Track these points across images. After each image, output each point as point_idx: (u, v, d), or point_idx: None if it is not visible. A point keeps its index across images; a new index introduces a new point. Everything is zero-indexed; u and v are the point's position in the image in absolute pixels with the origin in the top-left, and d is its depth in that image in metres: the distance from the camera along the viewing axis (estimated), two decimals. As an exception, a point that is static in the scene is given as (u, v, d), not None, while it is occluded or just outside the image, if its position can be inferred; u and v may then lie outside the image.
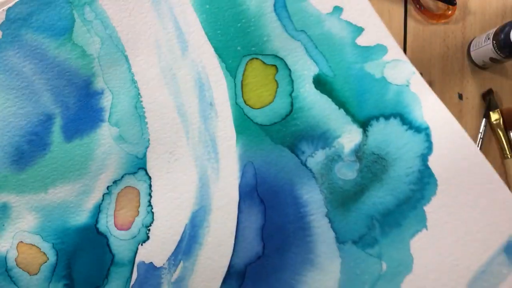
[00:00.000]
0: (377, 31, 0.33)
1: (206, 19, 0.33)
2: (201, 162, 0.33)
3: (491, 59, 0.52)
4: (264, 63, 0.33)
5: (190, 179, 0.32)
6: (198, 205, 0.32)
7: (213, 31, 0.33)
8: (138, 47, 0.33)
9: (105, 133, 0.32)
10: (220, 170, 0.32)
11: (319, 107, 0.33)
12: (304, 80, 0.33)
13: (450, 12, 0.58)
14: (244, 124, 0.33)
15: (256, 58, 0.33)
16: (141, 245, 0.32)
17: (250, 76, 0.33)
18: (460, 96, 0.56)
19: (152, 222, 0.32)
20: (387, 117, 0.32)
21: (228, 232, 0.32)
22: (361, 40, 0.33)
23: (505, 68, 0.56)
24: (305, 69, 0.33)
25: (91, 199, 0.32)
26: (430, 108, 0.32)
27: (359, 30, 0.33)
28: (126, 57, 0.32)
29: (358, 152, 0.32)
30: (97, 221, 0.32)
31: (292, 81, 0.33)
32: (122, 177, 0.32)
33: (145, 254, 0.32)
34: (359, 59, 0.33)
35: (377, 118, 0.32)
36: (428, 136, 0.32)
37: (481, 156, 0.31)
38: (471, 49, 0.55)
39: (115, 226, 0.32)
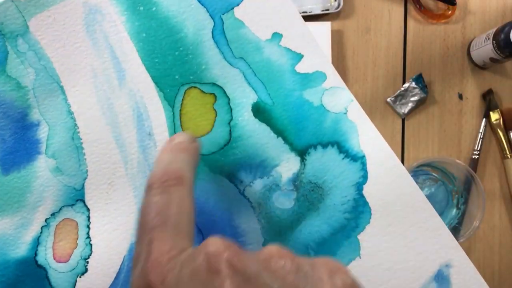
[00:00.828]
0: (316, 58, 0.33)
1: (143, 47, 0.32)
2: (140, 193, 0.33)
3: (491, 59, 0.52)
4: (202, 91, 0.33)
5: (128, 209, 0.32)
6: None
7: (150, 60, 0.33)
8: (74, 77, 0.32)
9: (42, 165, 0.32)
10: (159, 200, 0.32)
11: (257, 135, 0.33)
12: (243, 108, 0.33)
13: (450, 12, 0.58)
14: None
15: (195, 87, 0.33)
16: (80, 277, 0.32)
17: (188, 105, 0.33)
18: (460, 96, 0.56)
19: (90, 254, 0.32)
20: (324, 145, 0.32)
21: (166, 262, 0.32)
22: (300, 67, 0.33)
23: (505, 68, 0.56)
24: (244, 97, 0.33)
25: (30, 231, 0.32)
26: (367, 136, 0.32)
27: (298, 57, 0.33)
28: (61, 88, 0.32)
29: (296, 181, 0.32)
30: (36, 254, 0.32)
31: (230, 110, 0.33)
32: (60, 209, 0.32)
33: (83, 286, 0.32)
34: (298, 86, 0.33)
35: (315, 146, 0.32)
36: (363, 165, 0.32)
37: (414, 185, 0.31)
38: (471, 49, 0.55)
39: (54, 258, 0.32)
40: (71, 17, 0.32)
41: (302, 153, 0.32)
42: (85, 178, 0.32)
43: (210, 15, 0.32)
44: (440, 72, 0.58)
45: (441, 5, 0.58)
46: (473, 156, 0.55)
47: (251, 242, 0.32)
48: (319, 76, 0.33)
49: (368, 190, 0.32)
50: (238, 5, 0.33)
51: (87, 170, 0.32)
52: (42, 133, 0.32)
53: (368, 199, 0.32)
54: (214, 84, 0.33)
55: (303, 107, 0.33)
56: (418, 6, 0.58)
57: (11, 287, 0.32)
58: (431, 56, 0.59)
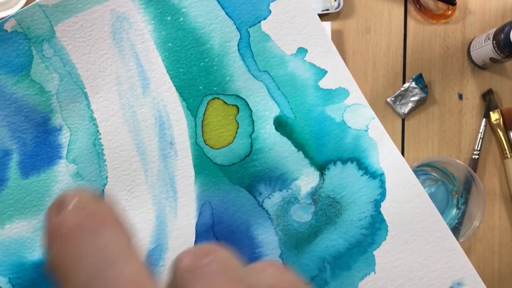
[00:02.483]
0: (340, 74, 0.33)
1: (168, 57, 0.33)
2: (159, 201, 0.33)
3: (491, 59, 0.52)
4: (225, 103, 0.33)
5: (147, 217, 0.33)
6: (154, 244, 0.33)
7: (175, 69, 0.33)
8: (98, 84, 0.32)
9: (63, 170, 0.32)
10: (178, 209, 0.33)
11: (278, 148, 0.33)
12: (265, 121, 0.33)
13: (450, 12, 0.58)
14: (203, 164, 0.33)
15: (218, 98, 0.33)
16: (97, 282, 0.32)
17: (211, 116, 0.33)
18: (460, 96, 0.57)
19: (108, 260, 0.32)
20: (344, 161, 0.33)
21: (183, 271, 0.32)
22: (324, 83, 0.33)
23: (505, 68, 0.57)
24: (266, 110, 0.33)
25: (47, 235, 0.32)
26: (386, 154, 0.33)
27: (322, 73, 0.33)
28: (85, 94, 0.32)
29: (314, 195, 0.33)
30: (53, 257, 0.32)
31: (253, 122, 0.33)
32: (80, 214, 0.32)
33: (100, 291, 0.32)
34: (320, 102, 0.33)
35: (334, 161, 0.33)
36: (382, 183, 0.32)
37: (431, 205, 0.32)
38: (471, 49, 0.56)
39: (72, 262, 0.32)
40: (98, 24, 0.32)
41: (321, 168, 0.33)
42: (105, 184, 0.33)
43: (237, 27, 0.33)
44: (440, 72, 0.59)
45: (441, 5, 0.59)
46: (473, 156, 0.56)
47: (268, 254, 0.33)
48: (342, 93, 0.33)
49: (385, 208, 0.32)
50: (265, 18, 0.33)
51: (107, 176, 0.33)
52: (64, 138, 0.32)
53: (385, 216, 0.32)
54: (237, 96, 0.33)
55: (324, 122, 0.33)
56: (418, 6, 0.58)
57: (27, 290, 0.32)
58: (431, 56, 0.59)
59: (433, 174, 0.59)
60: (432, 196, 0.57)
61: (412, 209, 0.32)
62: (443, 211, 0.58)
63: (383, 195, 0.32)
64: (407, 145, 0.58)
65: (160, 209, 0.33)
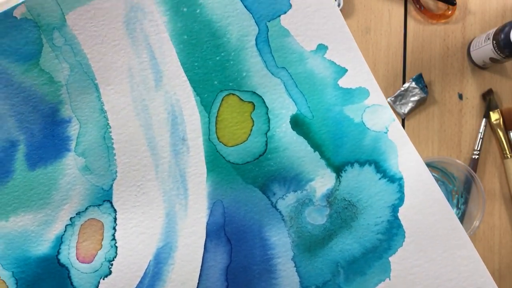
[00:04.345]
0: (361, 74, 0.32)
1: (183, 49, 0.31)
2: (169, 198, 0.32)
3: (491, 59, 0.51)
4: (241, 99, 0.32)
5: (157, 214, 0.32)
6: (163, 241, 0.32)
7: (190, 63, 0.31)
8: (110, 75, 0.31)
9: (71, 163, 0.31)
10: (189, 206, 0.32)
11: (294, 148, 0.32)
12: (281, 119, 0.32)
13: (450, 12, 0.57)
14: (215, 161, 0.32)
15: (233, 94, 0.32)
16: (103, 279, 0.31)
17: (225, 112, 0.32)
18: (460, 96, 0.56)
19: (115, 257, 0.31)
20: (362, 164, 0.32)
21: (192, 270, 0.32)
22: (344, 82, 0.32)
23: (505, 68, 0.56)
24: (283, 108, 0.32)
25: (53, 229, 0.31)
26: (406, 158, 0.32)
27: (342, 71, 0.32)
28: (96, 86, 0.31)
29: (330, 197, 0.32)
30: (58, 252, 0.31)
31: (268, 120, 0.32)
32: (86, 208, 0.31)
33: (106, 289, 0.31)
34: (339, 101, 0.32)
35: (351, 164, 0.32)
36: (401, 187, 0.31)
37: (451, 212, 0.31)
38: (471, 49, 0.55)
39: (77, 258, 0.31)
40: (112, 13, 0.30)
41: (338, 170, 0.32)
42: (114, 179, 0.31)
43: (255, 21, 0.31)
44: (440, 72, 0.58)
45: (441, 5, 0.58)
46: (473, 156, 0.55)
47: (280, 256, 0.32)
48: (362, 93, 0.32)
49: (403, 213, 0.31)
50: (285, 12, 0.31)
51: (116, 170, 0.31)
52: (73, 130, 0.31)
53: (402, 222, 0.31)
54: (253, 93, 0.32)
55: (343, 122, 0.32)
56: (418, 6, 0.57)
57: (31, 284, 0.31)
58: (431, 56, 0.58)
59: (433, 174, 0.58)
60: (433, 196, 0.56)
61: (431, 215, 0.31)
62: (445, 212, 0.57)
63: (401, 199, 0.31)
64: (409, 145, 0.58)
65: (170, 206, 0.32)
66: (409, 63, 0.56)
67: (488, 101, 0.55)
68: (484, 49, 0.51)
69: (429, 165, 0.56)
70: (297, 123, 0.32)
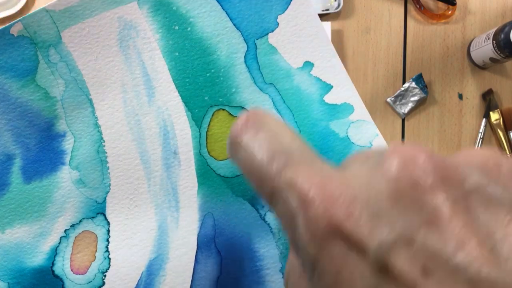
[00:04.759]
0: (345, 90, 0.33)
1: (174, 66, 0.32)
2: (161, 210, 0.33)
3: (491, 59, 0.52)
4: (230, 114, 0.33)
5: (149, 226, 0.33)
6: (155, 253, 0.33)
7: (181, 79, 0.33)
8: (104, 91, 0.32)
9: (65, 176, 0.32)
10: (180, 219, 0.33)
11: (282, 162, 0.33)
12: None
13: (450, 12, 0.58)
14: (206, 174, 0.33)
15: (223, 109, 0.33)
16: (96, 290, 0.32)
17: (215, 127, 0.33)
18: (460, 96, 0.57)
19: (108, 268, 0.32)
20: (347, 177, 0.33)
21: (183, 281, 0.32)
22: (329, 98, 0.33)
23: (505, 68, 0.57)
24: (271, 122, 0.33)
25: (48, 241, 0.32)
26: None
27: (328, 87, 0.33)
28: (90, 101, 0.32)
29: (317, 210, 0.33)
30: (53, 264, 0.32)
31: None
32: (80, 221, 0.32)
33: (99, 299, 0.32)
34: (325, 117, 0.33)
35: (337, 177, 0.33)
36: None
37: None
38: (471, 49, 0.56)
39: (71, 270, 0.32)
40: (105, 31, 0.32)
41: None
42: (107, 192, 0.32)
43: (244, 39, 0.33)
44: (440, 72, 0.59)
45: (441, 5, 0.59)
46: None
47: (269, 267, 0.33)
48: (347, 108, 0.33)
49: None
50: (273, 31, 0.33)
51: (110, 184, 0.32)
52: (67, 144, 0.32)
53: None
54: (242, 108, 0.33)
55: (328, 137, 0.33)
56: (418, 6, 0.58)
57: (25, 296, 0.32)
58: (431, 56, 0.59)
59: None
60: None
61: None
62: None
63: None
64: (407, 145, 0.59)
65: (162, 218, 0.33)
66: (409, 63, 0.57)
67: (488, 101, 0.56)
68: (484, 49, 0.52)
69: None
70: None
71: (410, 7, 0.59)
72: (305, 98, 0.33)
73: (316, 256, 0.13)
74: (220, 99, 0.33)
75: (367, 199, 0.13)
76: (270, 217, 0.33)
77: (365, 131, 0.33)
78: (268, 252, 0.33)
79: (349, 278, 0.12)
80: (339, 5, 0.57)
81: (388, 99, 0.60)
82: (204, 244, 0.33)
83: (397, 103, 0.59)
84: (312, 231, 0.13)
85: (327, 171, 0.15)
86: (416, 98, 0.58)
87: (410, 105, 0.59)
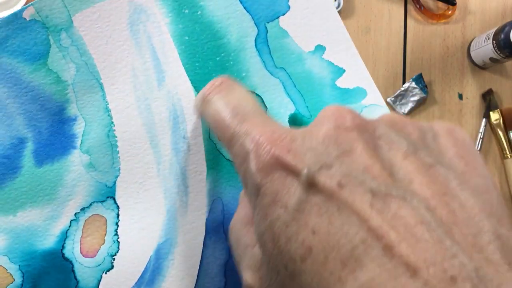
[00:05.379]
0: (358, 74, 0.33)
1: (184, 50, 0.32)
2: (170, 195, 0.33)
3: (491, 59, 0.51)
4: None
5: (158, 210, 0.33)
6: (164, 237, 0.32)
7: (191, 63, 0.32)
8: (114, 75, 0.32)
9: (76, 160, 0.32)
10: (189, 204, 0.32)
11: (292, 147, 0.32)
12: (280, 118, 0.32)
13: (450, 12, 0.57)
14: (215, 159, 0.32)
15: None
16: (105, 273, 0.32)
17: None
18: (460, 96, 0.56)
19: (117, 252, 0.32)
20: (359, 163, 0.32)
21: (192, 266, 0.32)
22: (341, 82, 0.33)
23: (505, 68, 0.56)
24: (281, 107, 0.33)
25: (58, 224, 0.32)
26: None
27: (340, 71, 0.33)
28: (101, 85, 0.32)
29: (328, 196, 0.32)
30: (63, 247, 0.32)
31: None
32: (91, 204, 0.32)
33: (108, 282, 0.32)
34: (337, 101, 0.32)
35: (349, 163, 0.32)
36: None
37: None
38: (471, 49, 0.55)
39: (81, 253, 0.32)
40: (116, 15, 0.32)
41: None
42: (117, 176, 0.32)
43: (255, 22, 0.32)
44: (440, 72, 0.58)
45: (441, 5, 0.58)
46: None
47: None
48: (359, 92, 0.32)
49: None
50: (284, 14, 0.32)
51: (119, 168, 0.32)
52: (78, 128, 0.32)
53: None
54: (253, 92, 0.32)
55: None
56: (418, 6, 0.57)
57: (36, 278, 0.32)
58: (431, 56, 0.58)
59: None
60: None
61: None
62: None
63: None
64: (407, 145, 0.58)
65: (171, 203, 0.33)
66: (409, 63, 0.56)
67: (488, 101, 0.55)
68: (484, 49, 0.51)
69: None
70: (295, 122, 0.32)
71: (410, 7, 0.58)
72: (317, 82, 0.32)
73: (261, 182, 0.17)
74: None
75: (303, 140, 0.18)
76: (280, 203, 0.32)
77: (378, 115, 0.32)
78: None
79: (285, 194, 0.16)
80: (339, 5, 0.57)
81: (388, 99, 0.59)
82: (213, 229, 0.32)
83: (397, 103, 0.58)
84: (259, 163, 0.18)
85: (276, 126, 0.20)
86: (416, 98, 0.57)
87: (410, 105, 0.58)
